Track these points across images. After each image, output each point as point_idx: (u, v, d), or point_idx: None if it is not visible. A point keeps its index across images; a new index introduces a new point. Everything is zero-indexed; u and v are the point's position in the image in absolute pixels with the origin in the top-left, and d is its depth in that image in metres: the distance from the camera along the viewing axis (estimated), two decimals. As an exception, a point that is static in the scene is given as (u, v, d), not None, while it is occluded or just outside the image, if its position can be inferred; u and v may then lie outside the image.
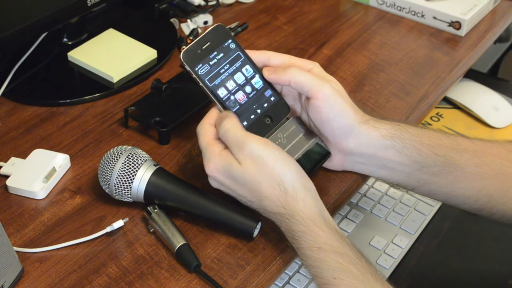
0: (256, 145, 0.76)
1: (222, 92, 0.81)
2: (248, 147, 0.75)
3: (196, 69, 0.80)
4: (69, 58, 1.06)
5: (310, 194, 0.75)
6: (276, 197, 0.75)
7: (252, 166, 0.75)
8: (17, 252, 0.75)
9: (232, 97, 0.81)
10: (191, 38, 1.12)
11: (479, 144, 0.84)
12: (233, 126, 0.77)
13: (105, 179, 0.80)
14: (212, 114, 0.80)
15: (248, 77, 0.83)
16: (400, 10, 1.19)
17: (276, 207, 0.75)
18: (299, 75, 0.81)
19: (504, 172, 0.82)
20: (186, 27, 1.15)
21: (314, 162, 0.84)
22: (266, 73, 0.83)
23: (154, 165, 0.81)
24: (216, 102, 0.81)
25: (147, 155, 0.82)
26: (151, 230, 0.80)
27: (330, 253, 0.72)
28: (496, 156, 0.83)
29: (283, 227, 0.76)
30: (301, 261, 0.76)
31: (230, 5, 1.22)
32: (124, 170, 0.79)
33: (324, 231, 0.73)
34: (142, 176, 0.80)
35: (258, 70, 0.83)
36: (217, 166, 0.77)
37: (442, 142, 0.83)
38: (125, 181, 0.79)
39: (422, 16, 1.17)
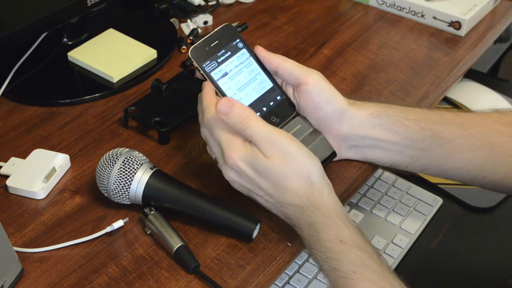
0: (286, 140, 0.76)
1: (229, 89, 0.81)
2: (278, 142, 0.75)
3: (204, 65, 0.81)
4: (69, 58, 1.06)
5: (332, 192, 0.77)
6: (302, 191, 0.75)
7: (281, 160, 0.75)
8: (17, 252, 0.75)
9: (238, 94, 0.82)
10: (191, 38, 1.12)
11: (464, 117, 0.86)
12: (256, 121, 0.76)
13: (102, 184, 0.80)
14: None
15: (255, 76, 0.83)
16: (400, 10, 1.19)
17: (300, 200, 0.75)
18: (288, 62, 0.83)
19: (491, 142, 0.83)
20: (186, 27, 1.15)
21: (320, 160, 0.84)
22: (258, 48, 0.84)
23: (151, 168, 0.81)
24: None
25: (144, 157, 0.82)
26: (148, 232, 0.80)
27: (352, 247, 0.72)
28: (482, 127, 0.84)
29: (302, 220, 0.75)
30: (317, 254, 0.75)
31: (230, 5, 1.22)
32: (121, 175, 0.79)
33: (347, 225, 0.74)
34: (140, 180, 0.79)
35: (265, 69, 0.84)
36: (241, 156, 0.76)
37: (428, 117, 0.84)
38: (122, 186, 0.79)
39: (422, 16, 1.17)
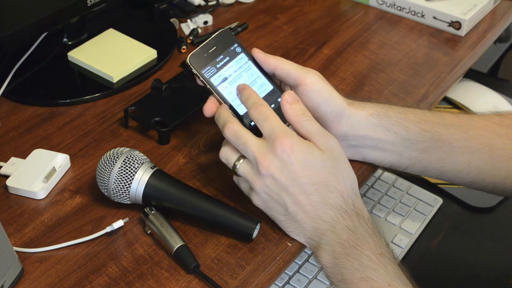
0: (338, 142, 0.78)
1: (229, 94, 0.81)
2: (332, 139, 0.77)
3: (203, 71, 0.81)
4: (69, 58, 1.06)
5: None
6: (347, 194, 0.76)
7: (334, 157, 0.76)
8: (17, 252, 0.75)
9: (239, 99, 0.82)
10: (191, 38, 1.12)
11: (464, 119, 0.86)
12: (312, 118, 0.78)
13: (103, 183, 0.80)
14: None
15: (255, 79, 0.83)
16: (400, 10, 1.19)
17: (345, 203, 0.75)
18: (286, 63, 0.83)
19: (491, 145, 0.83)
20: (186, 27, 1.15)
21: None
22: (255, 51, 0.84)
23: (151, 167, 0.81)
24: (224, 103, 0.81)
25: (145, 157, 0.82)
26: (148, 232, 0.80)
27: (390, 260, 0.73)
28: (482, 129, 0.84)
29: (341, 224, 0.75)
30: (349, 261, 0.73)
31: (230, 5, 1.22)
32: (122, 175, 0.79)
33: (385, 241, 0.75)
34: (140, 179, 0.79)
35: (264, 72, 0.84)
36: (294, 142, 0.75)
37: (428, 118, 0.84)
38: (123, 185, 0.79)
39: (422, 16, 1.17)
